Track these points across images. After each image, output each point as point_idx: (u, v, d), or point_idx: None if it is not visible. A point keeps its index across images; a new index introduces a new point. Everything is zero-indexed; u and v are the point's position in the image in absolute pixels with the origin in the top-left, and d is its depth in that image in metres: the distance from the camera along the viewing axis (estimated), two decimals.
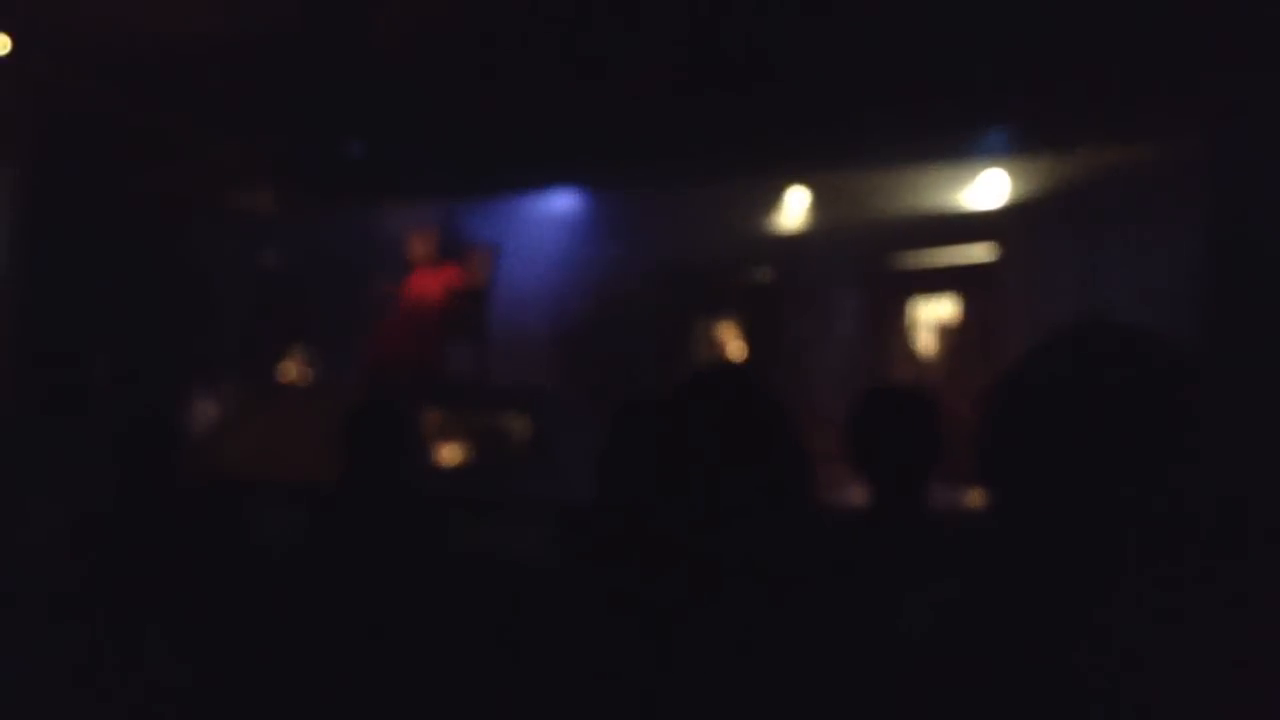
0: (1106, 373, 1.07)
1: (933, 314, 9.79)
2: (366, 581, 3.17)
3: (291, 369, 10.73)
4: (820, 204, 10.49)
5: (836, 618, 1.38)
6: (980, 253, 9.29)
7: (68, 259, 8.02)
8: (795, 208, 10.73)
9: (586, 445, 8.59)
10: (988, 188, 9.27)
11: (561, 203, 10.90)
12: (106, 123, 8.04)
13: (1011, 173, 9.05)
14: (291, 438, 7.56)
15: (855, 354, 9.93)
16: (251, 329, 10.50)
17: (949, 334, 9.57)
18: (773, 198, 10.66)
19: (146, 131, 8.31)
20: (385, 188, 10.10)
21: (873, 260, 9.99)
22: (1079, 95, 6.79)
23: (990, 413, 1.15)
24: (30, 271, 7.88)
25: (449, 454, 8.64)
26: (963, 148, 8.28)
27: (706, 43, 6.79)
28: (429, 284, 9.24)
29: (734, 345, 11.29)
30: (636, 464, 2.01)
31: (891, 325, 9.97)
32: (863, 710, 1.25)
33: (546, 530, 2.83)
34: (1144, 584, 1.01)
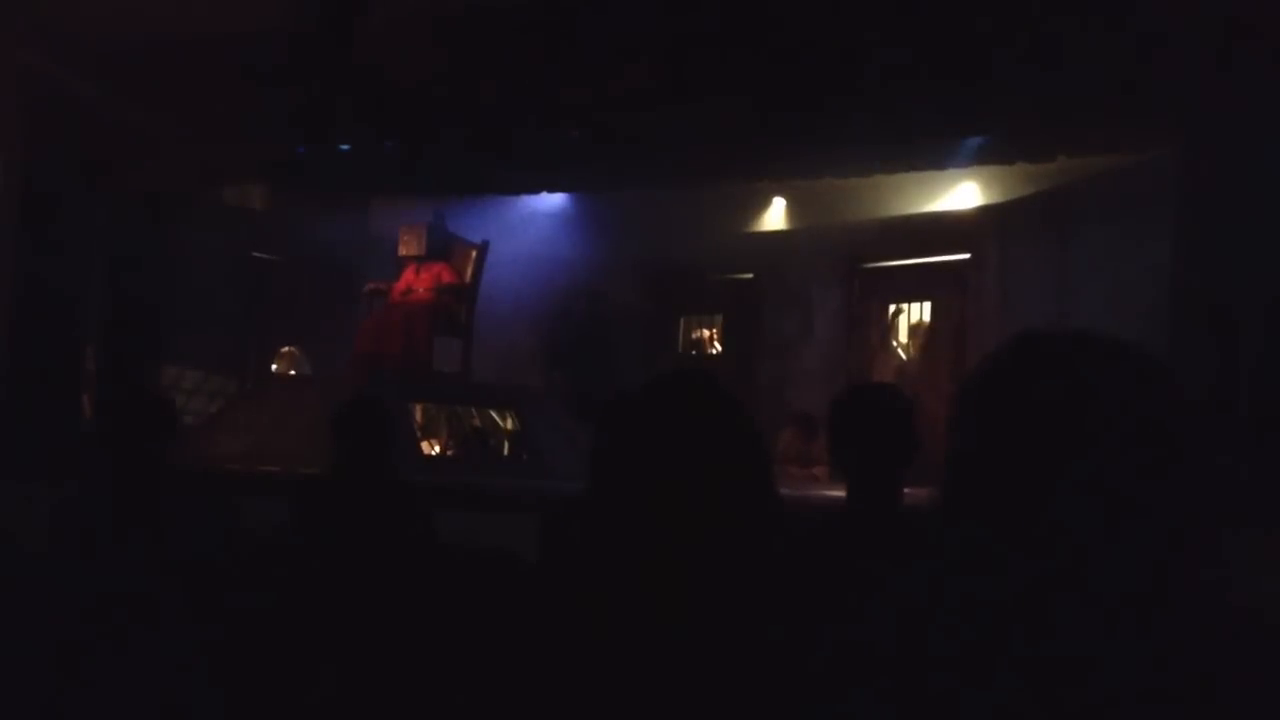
0: (1070, 378, 1.07)
1: (910, 316, 9.92)
2: (353, 570, 3.22)
3: (282, 362, 10.77)
4: (801, 207, 10.60)
5: (809, 614, 1.42)
6: (957, 256, 9.42)
7: (61, 250, 8.03)
8: (777, 211, 10.84)
9: (570, 440, 8.63)
10: (964, 194, 9.41)
11: (549, 203, 10.98)
12: (101, 117, 8.05)
13: (987, 179, 9.19)
14: (282, 430, 7.61)
15: (834, 354, 10.05)
16: (243, 323, 10.54)
17: (926, 335, 9.69)
18: (755, 201, 10.76)
19: (141, 127, 8.32)
20: (376, 186, 10.14)
21: (852, 263, 10.11)
22: (1052, 105, 6.90)
23: (955, 415, 1.14)
24: (22, 262, 7.86)
25: (435, 448, 8.69)
26: (941, 155, 8.40)
27: (690, 48, 6.87)
28: (418, 281, 9.29)
29: (715, 344, 11.39)
30: (617, 461, 2.07)
31: (870, 326, 10.10)
32: (832, 701, 1.31)
33: (531, 522, 2.87)
34: (1104, 586, 1.02)
